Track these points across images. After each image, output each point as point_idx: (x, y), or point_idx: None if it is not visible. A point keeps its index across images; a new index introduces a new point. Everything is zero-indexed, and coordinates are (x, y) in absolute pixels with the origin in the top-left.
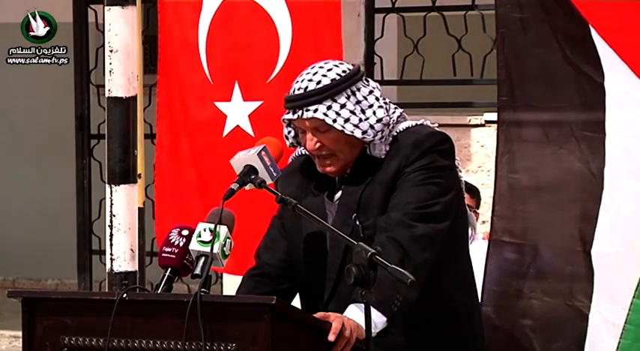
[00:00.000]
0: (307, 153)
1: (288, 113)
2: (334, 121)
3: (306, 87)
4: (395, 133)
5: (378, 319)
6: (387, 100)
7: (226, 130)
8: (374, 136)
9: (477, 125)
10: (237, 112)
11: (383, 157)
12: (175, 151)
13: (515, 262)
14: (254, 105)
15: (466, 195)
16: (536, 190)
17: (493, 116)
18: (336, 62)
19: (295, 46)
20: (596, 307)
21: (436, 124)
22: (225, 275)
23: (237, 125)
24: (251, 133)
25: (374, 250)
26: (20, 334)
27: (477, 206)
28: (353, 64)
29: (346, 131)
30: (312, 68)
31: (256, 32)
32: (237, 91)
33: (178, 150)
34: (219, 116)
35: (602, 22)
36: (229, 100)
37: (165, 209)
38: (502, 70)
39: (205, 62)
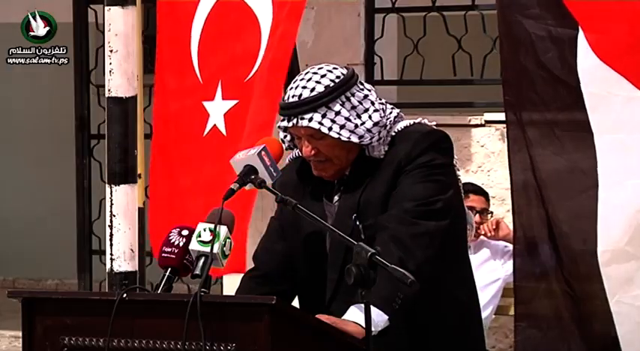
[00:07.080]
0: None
1: (284, 120)
2: (330, 129)
3: (300, 94)
4: (393, 133)
5: (379, 318)
6: (383, 101)
7: (206, 130)
8: (371, 139)
9: (477, 125)
10: (216, 111)
11: (382, 157)
12: (168, 152)
13: (540, 258)
14: (230, 104)
15: (481, 198)
16: (538, 189)
17: (493, 116)
18: (330, 67)
19: (270, 45)
20: (614, 298)
21: (434, 123)
22: (225, 275)
23: (215, 124)
24: (224, 132)
25: (374, 250)
26: (20, 334)
27: (489, 207)
28: (347, 68)
29: (343, 138)
30: (306, 74)
31: (242, 32)
32: (219, 90)
33: (171, 150)
34: (204, 115)
35: (589, 22)
36: (213, 99)
37: (158, 210)
38: (504, 70)
39: (197, 61)
